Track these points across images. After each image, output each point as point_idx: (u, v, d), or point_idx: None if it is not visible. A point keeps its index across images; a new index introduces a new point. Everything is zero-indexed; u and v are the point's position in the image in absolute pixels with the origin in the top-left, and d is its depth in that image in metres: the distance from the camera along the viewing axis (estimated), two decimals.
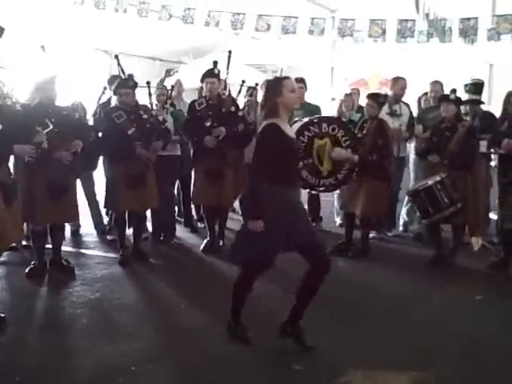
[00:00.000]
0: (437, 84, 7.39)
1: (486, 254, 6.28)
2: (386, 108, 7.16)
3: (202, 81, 6.39)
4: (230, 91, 6.61)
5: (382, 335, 4.24)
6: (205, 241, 6.55)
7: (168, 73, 8.22)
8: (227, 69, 6.56)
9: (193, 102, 6.58)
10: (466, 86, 6.86)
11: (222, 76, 6.48)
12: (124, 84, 5.94)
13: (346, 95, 7.85)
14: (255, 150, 3.84)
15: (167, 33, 14.47)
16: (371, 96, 6.49)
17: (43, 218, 5.37)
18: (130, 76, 6.02)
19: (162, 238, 6.92)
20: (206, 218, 6.73)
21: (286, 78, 3.89)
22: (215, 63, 6.34)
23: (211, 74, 6.31)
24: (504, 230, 5.67)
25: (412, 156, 7.40)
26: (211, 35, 14.97)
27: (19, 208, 4.66)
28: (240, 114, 6.46)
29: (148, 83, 6.59)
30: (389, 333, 4.30)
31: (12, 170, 4.81)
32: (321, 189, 6.31)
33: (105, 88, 6.66)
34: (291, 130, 3.99)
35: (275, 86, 3.82)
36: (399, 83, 7.39)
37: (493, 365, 3.81)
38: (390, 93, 7.42)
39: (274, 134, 3.74)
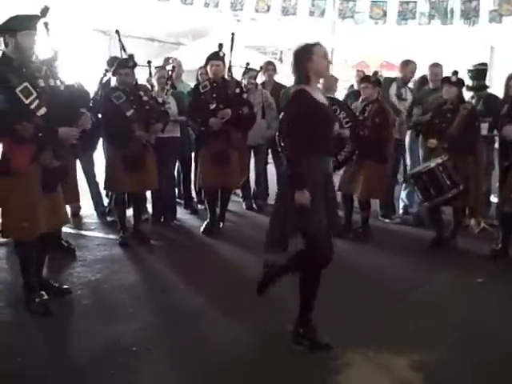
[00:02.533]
0: (437, 67, 7.33)
1: (487, 236, 6.30)
2: (394, 90, 7.16)
3: (206, 63, 6.35)
4: (232, 74, 6.57)
5: (381, 318, 4.25)
6: (205, 222, 6.54)
7: (167, 61, 8.15)
8: (231, 51, 6.51)
9: (197, 85, 6.58)
10: (469, 71, 6.82)
11: (226, 59, 6.45)
12: (124, 64, 5.89)
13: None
14: (285, 120, 3.72)
15: (166, 14, 14.36)
16: (363, 79, 6.56)
17: None
18: (131, 56, 5.96)
19: (162, 219, 6.91)
20: (206, 200, 6.72)
21: (317, 44, 3.65)
22: (220, 46, 6.29)
23: (216, 57, 6.27)
24: (503, 212, 5.66)
25: (408, 139, 7.37)
26: (210, 17, 14.86)
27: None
28: (244, 96, 6.44)
29: (149, 62, 6.55)
30: (388, 315, 4.31)
31: None
32: None
33: (106, 71, 6.61)
34: (322, 97, 3.75)
35: (305, 52, 3.62)
36: (410, 66, 7.35)
37: (493, 348, 3.82)
38: (399, 76, 7.39)
39: (304, 101, 3.59)
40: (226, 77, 6.44)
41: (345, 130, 6.09)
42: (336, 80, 7.74)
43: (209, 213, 6.56)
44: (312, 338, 3.72)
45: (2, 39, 4.07)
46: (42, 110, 3.99)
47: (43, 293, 4.29)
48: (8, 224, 4.18)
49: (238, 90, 6.38)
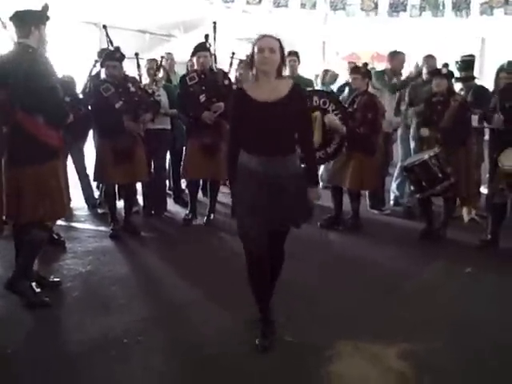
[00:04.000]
0: (431, 58, 7.27)
1: (477, 227, 6.33)
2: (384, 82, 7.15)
3: (192, 55, 6.31)
4: (215, 65, 6.53)
5: (371, 308, 4.27)
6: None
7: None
8: (214, 40, 6.47)
9: (183, 76, 6.50)
10: (457, 63, 6.83)
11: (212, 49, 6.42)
12: (111, 56, 5.87)
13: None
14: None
15: (157, 6, 14.28)
16: (353, 69, 6.54)
17: None
18: (117, 48, 5.93)
19: (153, 211, 6.91)
20: (189, 190, 6.75)
21: (260, 36, 3.49)
22: (206, 36, 6.27)
23: (203, 48, 6.24)
24: (493, 203, 5.69)
25: (400, 131, 7.37)
26: (202, 8, 14.79)
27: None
28: (234, 87, 6.42)
29: (136, 54, 6.51)
30: (378, 306, 4.32)
31: None
32: None
33: (96, 61, 6.58)
34: (271, 94, 3.45)
35: (252, 47, 3.51)
36: (398, 58, 7.33)
37: (483, 337, 3.85)
38: (388, 67, 7.38)
39: (236, 100, 3.57)
40: (215, 68, 6.42)
41: (343, 127, 6.10)
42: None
43: (190, 203, 6.60)
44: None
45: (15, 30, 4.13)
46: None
47: (34, 285, 4.30)
48: (50, 207, 4.21)
49: (226, 82, 6.36)
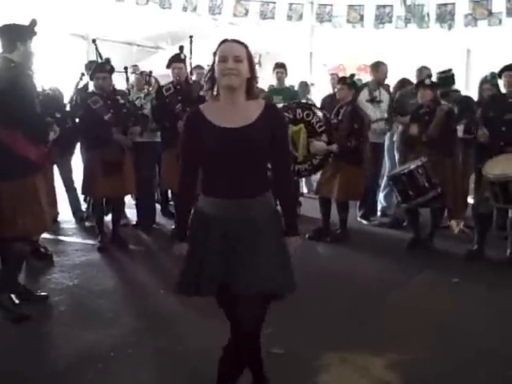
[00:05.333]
0: (425, 69, 7.18)
1: (464, 237, 6.37)
2: (366, 95, 7.17)
3: (168, 66, 6.33)
4: (191, 76, 6.55)
5: (359, 319, 4.28)
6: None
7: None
8: (190, 53, 6.50)
9: (160, 87, 6.54)
10: (437, 79, 6.87)
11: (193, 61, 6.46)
12: (100, 68, 5.88)
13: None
14: None
15: (144, 18, 14.30)
16: (339, 80, 6.63)
17: None
18: (107, 60, 5.95)
19: (139, 224, 6.89)
20: (174, 202, 6.73)
21: (223, 41, 2.69)
22: (181, 48, 6.30)
23: (178, 59, 6.27)
24: (479, 213, 5.73)
25: (387, 142, 7.41)
26: (189, 20, 14.84)
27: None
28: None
29: (125, 68, 6.54)
30: (366, 316, 4.34)
31: None
32: (295, 175, 6.33)
33: (82, 74, 6.60)
34: (238, 117, 2.64)
35: (213, 55, 2.69)
36: (381, 68, 7.36)
37: (469, 348, 3.86)
38: (370, 78, 7.42)
39: (190, 125, 2.72)
40: (190, 79, 6.43)
41: (333, 146, 6.13)
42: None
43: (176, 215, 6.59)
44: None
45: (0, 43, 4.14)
46: None
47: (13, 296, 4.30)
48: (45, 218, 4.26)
49: (202, 93, 6.37)
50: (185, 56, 6.29)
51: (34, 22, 4.21)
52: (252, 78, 2.68)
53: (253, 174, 2.68)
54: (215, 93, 2.70)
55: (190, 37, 6.52)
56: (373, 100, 7.15)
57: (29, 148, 4.10)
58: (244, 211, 2.66)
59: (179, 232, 2.87)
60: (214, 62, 2.66)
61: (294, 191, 7.20)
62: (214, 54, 2.66)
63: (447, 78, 6.95)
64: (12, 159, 4.02)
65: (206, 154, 2.65)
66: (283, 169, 2.82)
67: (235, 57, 2.59)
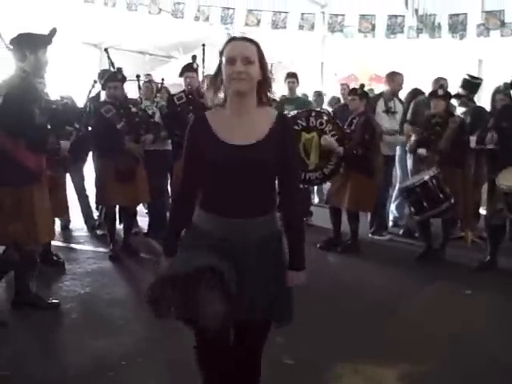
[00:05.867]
0: (442, 80, 7.08)
1: (477, 248, 6.33)
2: (381, 105, 7.15)
3: (180, 75, 6.35)
4: (202, 85, 6.56)
5: (370, 330, 4.25)
6: None
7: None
8: (203, 62, 6.52)
9: (172, 96, 6.55)
10: (463, 80, 6.84)
11: (206, 71, 6.47)
12: (113, 77, 5.92)
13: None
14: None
15: (157, 27, 14.40)
16: (350, 91, 6.63)
17: None
18: (119, 69, 5.99)
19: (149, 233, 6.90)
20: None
21: (231, 39, 2.40)
22: (194, 57, 6.33)
23: (190, 69, 6.30)
24: (492, 225, 5.70)
25: (399, 152, 7.38)
26: (201, 30, 14.91)
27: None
28: None
29: (138, 76, 6.57)
30: (377, 327, 4.31)
31: None
32: (306, 183, 6.33)
33: (95, 82, 6.61)
34: (247, 132, 2.37)
35: (219, 55, 2.37)
36: (396, 78, 7.31)
37: (481, 360, 3.83)
38: (385, 88, 7.39)
39: (194, 134, 2.49)
40: (201, 88, 6.44)
41: (339, 149, 6.12)
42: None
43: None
44: None
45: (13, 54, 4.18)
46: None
47: None
48: (38, 229, 4.25)
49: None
50: (197, 65, 6.31)
51: (53, 31, 4.23)
52: (264, 81, 2.37)
53: (259, 193, 2.41)
54: (220, 100, 2.43)
55: (203, 45, 6.56)
56: (388, 111, 7.12)
57: (29, 157, 4.12)
58: (246, 232, 2.40)
59: (168, 247, 2.58)
60: (220, 64, 2.35)
61: (305, 200, 7.33)
62: (221, 53, 2.34)
63: (475, 84, 6.93)
64: (10, 166, 4.06)
65: (208, 168, 2.40)
66: (291, 188, 2.49)
67: (245, 58, 2.27)
